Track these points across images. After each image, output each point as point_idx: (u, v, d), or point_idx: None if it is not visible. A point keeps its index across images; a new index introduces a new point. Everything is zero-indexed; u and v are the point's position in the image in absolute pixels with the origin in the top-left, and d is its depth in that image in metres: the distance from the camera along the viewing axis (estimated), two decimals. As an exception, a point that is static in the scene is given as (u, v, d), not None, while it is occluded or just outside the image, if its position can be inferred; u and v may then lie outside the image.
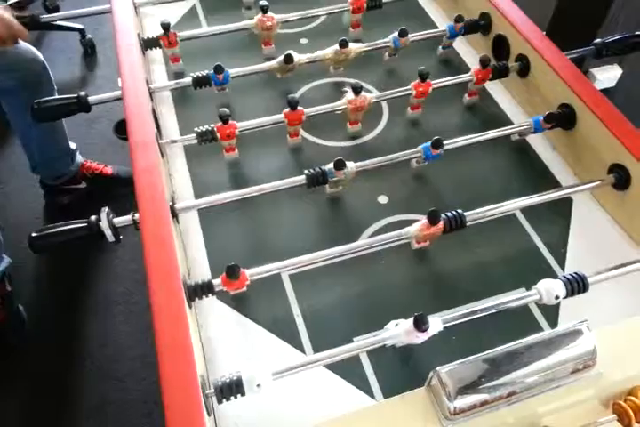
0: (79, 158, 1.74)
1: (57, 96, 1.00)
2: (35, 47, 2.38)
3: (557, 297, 0.65)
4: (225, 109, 0.84)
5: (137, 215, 0.72)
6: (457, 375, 0.52)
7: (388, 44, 1.02)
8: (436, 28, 1.11)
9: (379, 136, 0.96)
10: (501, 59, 1.01)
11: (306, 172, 0.79)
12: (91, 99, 0.92)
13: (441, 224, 0.72)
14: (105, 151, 1.92)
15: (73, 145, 1.69)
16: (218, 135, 0.86)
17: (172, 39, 1.03)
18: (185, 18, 1.21)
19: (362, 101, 0.90)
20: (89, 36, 2.34)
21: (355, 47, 0.99)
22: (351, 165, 0.80)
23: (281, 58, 0.96)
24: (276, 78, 1.01)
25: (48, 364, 1.34)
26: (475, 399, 0.52)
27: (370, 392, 0.65)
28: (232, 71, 0.96)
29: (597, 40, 0.96)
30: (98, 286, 1.48)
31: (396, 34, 1.00)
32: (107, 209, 0.72)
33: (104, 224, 0.71)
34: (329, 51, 0.99)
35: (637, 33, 0.96)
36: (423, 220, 0.73)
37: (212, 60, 0.96)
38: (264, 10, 1.04)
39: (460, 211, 0.73)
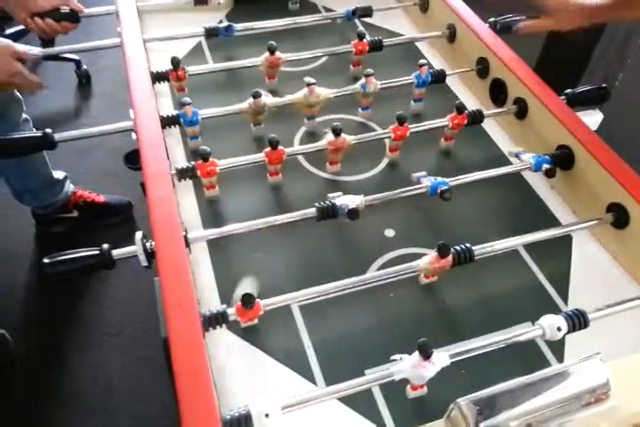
0: (69, 187, 1.73)
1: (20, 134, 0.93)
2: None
3: (559, 331, 0.66)
4: (205, 148, 0.85)
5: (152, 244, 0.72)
6: (477, 407, 0.53)
7: (358, 90, 1.04)
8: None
9: (378, 174, 0.99)
10: (499, 101, 1.06)
11: (316, 205, 0.81)
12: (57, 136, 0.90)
13: (450, 258, 0.74)
14: (99, 181, 1.92)
15: (60, 174, 1.67)
16: (198, 173, 0.85)
17: (181, 74, 1.06)
18: (191, 53, 1.25)
19: (341, 143, 0.92)
20: (84, 66, 2.38)
21: (324, 92, 1.01)
22: (360, 199, 0.82)
23: (251, 99, 0.97)
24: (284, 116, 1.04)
25: (34, 397, 1.30)
26: (494, 431, 0.53)
27: (382, 424, 0.66)
28: (202, 112, 0.96)
29: (568, 91, 0.99)
30: (88, 317, 1.45)
31: (363, 80, 1.03)
32: (141, 233, 0.72)
33: (139, 249, 0.71)
34: (298, 95, 1.00)
35: (604, 85, 1.01)
36: (432, 253, 0.74)
37: (217, 92, 1.00)
38: (271, 51, 1.08)
39: (468, 245, 0.75)
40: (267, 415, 0.56)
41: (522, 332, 0.67)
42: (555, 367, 0.57)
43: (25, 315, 1.45)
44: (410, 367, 0.61)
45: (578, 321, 0.67)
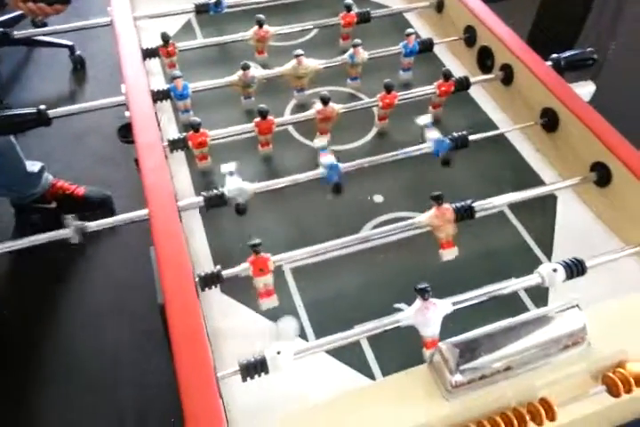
0: (47, 179, 1.70)
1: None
2: (24, 63, 2.43)
3: (558, 278, 0.68)
4: (196, 118, 0.87)
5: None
6: (458, 350, 0.55)
7: (346, 61, 1.05)
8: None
9: (368, 143, 1.00)
10: (486, 68, 1.07)
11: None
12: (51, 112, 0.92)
13: (450, 208, 0.75)
14: (93, 167, 1.91)
15: (36, 166, 1.65)
16: (190, 143, 0.87)
17: (172, 50, 1.07)
18: (181, 31, 1.26)
19: (330, 112, 0.93)
20: (78, 52, 2.38)
21: (313, 64, 1.02)
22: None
23: (240, 72, 0.98)
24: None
25: (35, 376, 1.32)
26: (475, 373, 0.55)
27: (372, 376, 0.68)
28: (192, 85, 0.97)
29: (554, 55, 0.99)
30: (84, 296, 1.47)
31: (351, 50, 1.04)
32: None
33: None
34: (287, 66, 1.02)
35: (590, 49, 1.01)
36: (432, 210, 0.76)
37: (209, 68, 1.01)
38: (260, 24, 1.09)
39: (469, 202, 0.77)
40: (278, 353, 0.60)
41: (520, 280, 0.68)
42: (534, 312, 0.59)
43: (17, 300, 1.47)
44: (413, 313, 0.63)
45: (576, 269, 0.69)
